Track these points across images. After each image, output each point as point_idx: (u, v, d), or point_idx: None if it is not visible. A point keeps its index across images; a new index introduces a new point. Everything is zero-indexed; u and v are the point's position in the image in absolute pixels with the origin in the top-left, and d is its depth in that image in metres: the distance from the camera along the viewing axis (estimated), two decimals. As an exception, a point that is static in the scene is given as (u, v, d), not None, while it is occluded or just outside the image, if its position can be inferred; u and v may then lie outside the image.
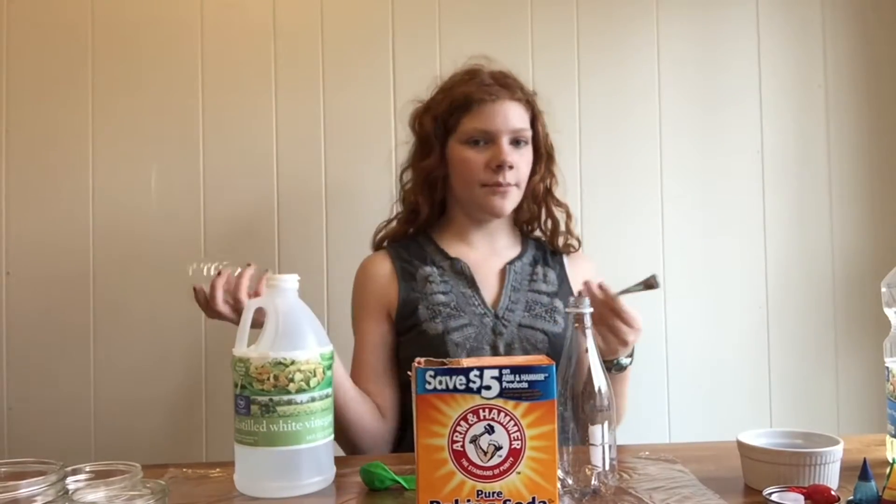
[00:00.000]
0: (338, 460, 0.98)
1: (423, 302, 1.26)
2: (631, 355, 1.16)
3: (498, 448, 0.76)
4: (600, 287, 1.08)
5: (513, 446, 0.76)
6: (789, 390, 1.72)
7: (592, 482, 0.85)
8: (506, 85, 1.28)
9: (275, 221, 1.62)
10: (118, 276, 1.59)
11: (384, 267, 1.32)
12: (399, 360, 1.29)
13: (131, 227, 1.60)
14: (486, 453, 0.76)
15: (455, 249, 1.33)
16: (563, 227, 1.38)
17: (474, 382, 0.76)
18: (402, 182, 1.38)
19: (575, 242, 1.40)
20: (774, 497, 0.77)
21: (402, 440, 1.29)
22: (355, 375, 1.27)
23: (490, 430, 0.76)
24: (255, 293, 1.11)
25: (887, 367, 0.98)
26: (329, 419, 0.95)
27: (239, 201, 1.62)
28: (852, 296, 1.73)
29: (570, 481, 0.86)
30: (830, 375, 1.73)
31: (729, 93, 1.72)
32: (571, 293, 1.31)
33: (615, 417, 0.89)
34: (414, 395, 0.76)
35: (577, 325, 0.89)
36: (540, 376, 0.76)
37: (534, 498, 0.76)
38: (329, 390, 0.94)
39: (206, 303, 1.13)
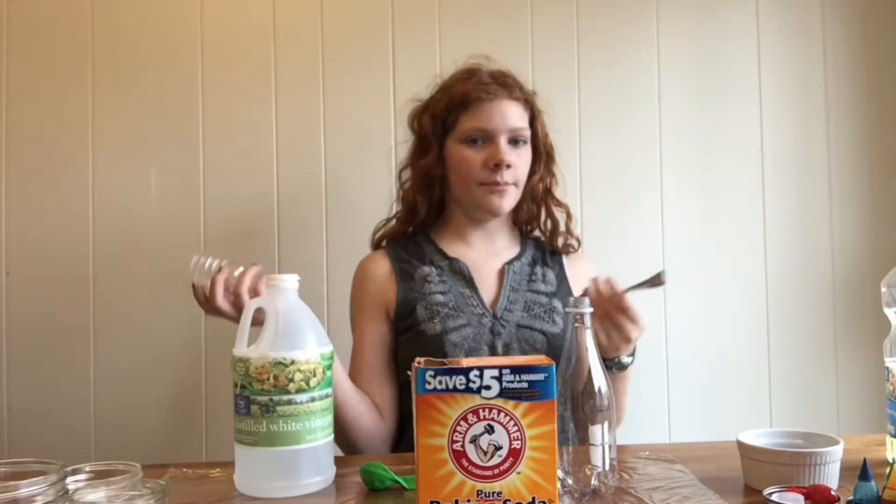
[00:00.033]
0: (338, 460, 0.98)
1: (422, 302, 1.26)
2: (632, 354, 1.16)
3: (498, 448, 0.76)
4: (608, 282, 1.08)
5: (513, 446, 0.76)
6: (789, 390, 1.72)
7: (592, 482, 0.85)
8: (504, 84, 1.28)
9: (275, 221, 1.62)
10: (118, 276, 1.60)
11: (383, 266, 1.32)
12: (397, 361, 1.29)
13: (131, 227, 1.60)
14: (486, 453, 0.76)
15: (454, 249, 1.33)
16: (562, 228, 1.38)
17: (474, 382, 0.76)
18: (401, 181, 1.38)
19: (574, 243, 1.40)
20: (774, 497, 0.77)
21: (401, 440, 1.29)
22: (354, 375, 1.27)
23: (490, 430, 0.76)
24: (254, 291, 1.10)
25: (887, 367, 0.98)
26: (329, 419, 0.95)
27: (239, 201, 1.62)
28: (852, 296, 1.73)
29: (570, 481, 0.86)
30: (830, 375, 1.73)
31: (729, 93, 1.72)
32: (570, 293, 1.31)
33: (615, 417, 0.89)
34: (414, 394, 0.76)
35: (577, 324, 0.89)
36: (540, 376, 0.76)
37: (534, 498, 0.76)
38: (329, 390, 0.94)
39: (205, 300, 1.12)
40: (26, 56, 1.59)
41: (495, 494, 0.76)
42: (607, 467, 0.86)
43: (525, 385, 0.76)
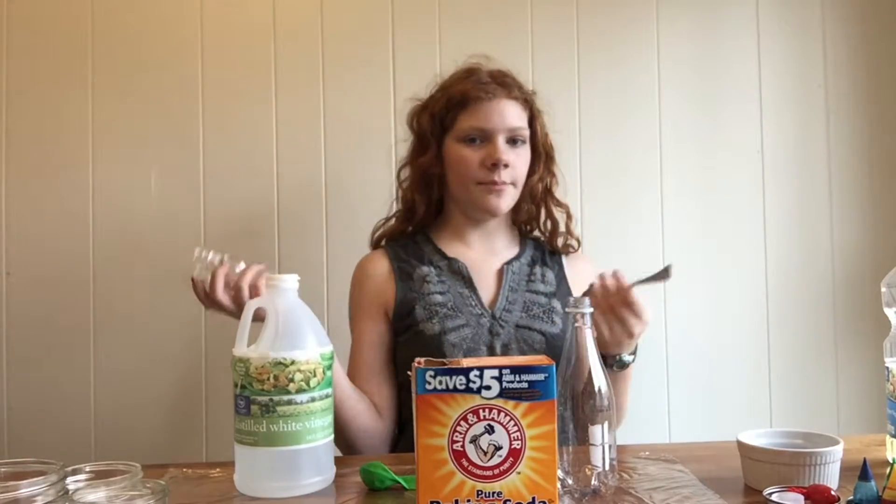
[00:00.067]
0: (338, 460, 0.98)
1: (420, 302, 1.26)
2: (633, 353, 1.16)
3: (498, 448, 0.76)
4: (614, 275, 1.08)
5: (513, 446, 0.76)
6: (789, 390, 1.72)
7: (592, 482, 0.85)
8: (503, 83, 1.28)
9: (275, 221, 1.62)
10: (118, 277, 1.60)
11: (382, 266, 1.32)
12: (396, 361, 1.29)
13: (131, 227, 1.60)
14: (486, 453, 0.76)
15: (453, 249, 1.33)
16: (562, 228, 1.38)
17: (474, 382, 0.76)
18: (400, 180, 1.38)
19: (574, 243, 1.39)
20: (774, 497, 0.77)
21: (400, 440, 1.29)
22: (352, 374, 1.27)
23: (490, 430, 0.76)
24: (255, 288, 1.10)
25: (887, 367, 0.98)
26: (329, 419, 0.95)
27: (239, 201, 1.62)
28: (852, 296, 1.73)
29: (570, 481, 0.86)
30: (830, 375, 1.73)
31: (729, 93, 1.73)
32: (570, 293, 1.30)
33: (615, 417, 0.89)
34: (414, 395, 0.76)
35: (577, 324, 0.89)
36: (540, 376, 0.76)
37: (534, 498, 0.76)
38: (329, 390, 0.94)
39: (205, 294, 1.12)
40: (26, 56, 1.59)
41: (495, 494, 0.76)
42: (607, 467, 0.86)
43: (525, 385, 0.76)
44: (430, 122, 1.30)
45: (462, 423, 0.76)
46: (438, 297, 1.26)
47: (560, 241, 1.38)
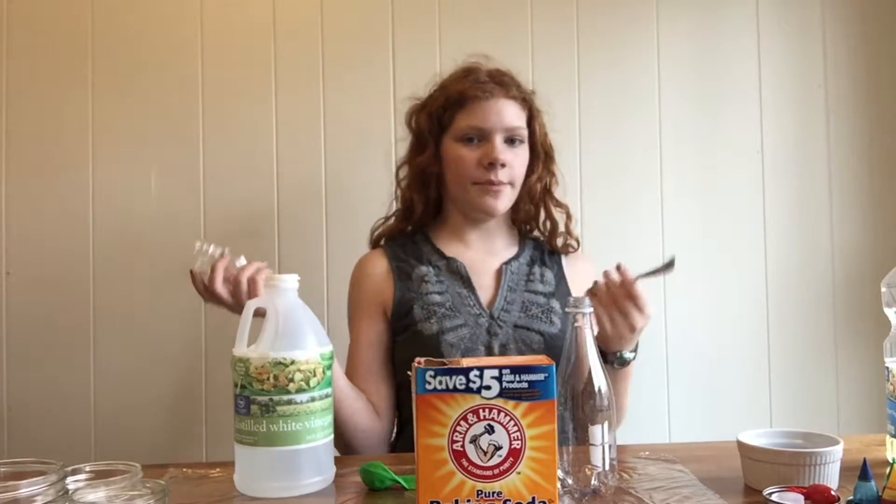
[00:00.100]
0: (338, 460, 0.98)
1: (419, 302, 1.26)
2: (635, 350, 1.16)
3: (498, 448, 0.76)
4: (618, 269, 1.08)
5: (513, 446, 0.76)
6: (789, 390, 1.72)
7: (592, 482, 0.85)
8: (501, 83, 1.27)
9: (275, 221, 1.62)
10: (118, 276, 1.60)
11: (380, 265, 1.32)
12: (395, 361, 1.29)
13: (131, 227, 1.60)
14: (486, 453, 0.76)
15: (452, 249, 1.33)
16: (562, 228, 1.37)
17: (474, 382, 0.76)
18: (398, 179, 1.38)
19: (574, 243, 1.39)
20: (774, 497, 0.77)
21: (400, 440, 1.29)
22: (350, 374, 1.27)
23: (490, 430, 0.76)
24: (253, 282, 1.10)
25: (887, 367, 0.98)
26: (329, 419, 0.95)
27: (239, 201, 1.62)
28: (852, 296, 1.73)
29: (570, 481, 0.86)
30: (830, 375, 1.73)
31: (729, 93, 1.73)
32: (569, 293, 1.30)
33: (615, 417, 0.89)
34: (414, 395, 0.76)
35: (577, 324, 0.89)
36: (540, 376, 0.76)
37: (534, 498, 0.76)
38: (329, 390, 0.94)
39: (203, 287, 1.13)
40: (26, 56, 1.59)
41: (495, 494, 0.76)
42: (607, 467, 0.86)
43: (525, 385, 0.76)
44: (427, 121, 1.30)
45: (462, 423, 0.76)
46: (436, 297, 1.25)
47: (560, 242, 1.38)
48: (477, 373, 0.76)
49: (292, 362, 0.90)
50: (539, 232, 1.39)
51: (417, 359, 0.78)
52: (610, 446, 0.86)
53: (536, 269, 1.32)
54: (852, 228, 1.74)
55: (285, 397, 0.90)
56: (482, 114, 1.25)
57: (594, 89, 1.69)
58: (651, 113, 1.70)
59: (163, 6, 1.62)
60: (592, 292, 1.10)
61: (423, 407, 0.76)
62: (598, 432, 0.85)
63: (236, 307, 1.10)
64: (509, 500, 0.76)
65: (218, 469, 1.00)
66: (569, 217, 1.38)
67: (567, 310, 0.90)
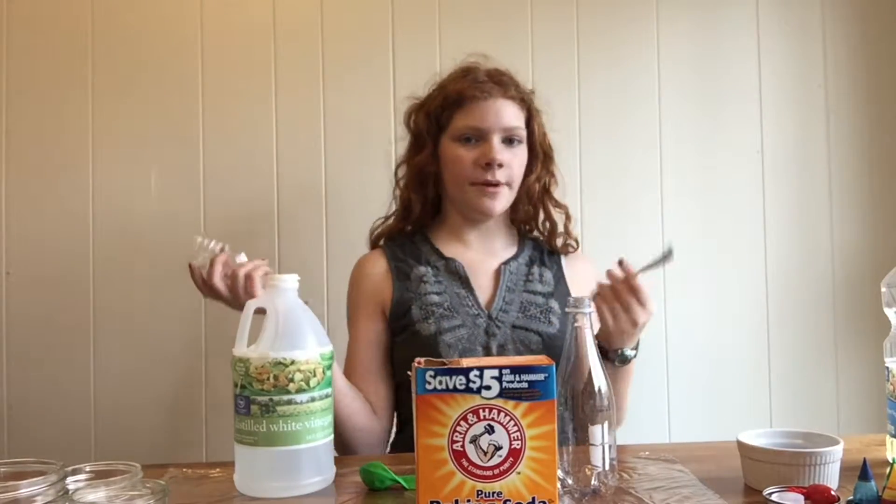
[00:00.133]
0: (338, 460, 0.98)
1: (417, 302, 1.25)
2: (636, 348, 1.16)
3: (498, 448, 0.76)
4: (620, 263, 1.08)
5: (513, 446, 0.76)
6: (789, 390, 1.72)
7: (592, 482, 0.85)
8: (500, 82, 1.27)
9: (275, 221, 1.62)
10: (118, 276, 1.60)
11: (379, 266, 1.32)
12: (394, 361, 1.29)
13: (131, 227, 1.60)
14: (486, 453, 0.76)
15: (450, 249, 1.33)
16: (561, 229, 1.37)
17: (474, 382, 0.76)
18: (397, 178, 1.38)
19: (573, 243, 1.39)
20: (774, 497, 0.77)
21: (400, 440, 1.29)
22: (349, 373, 1.27)
23: (490, 430, 0.76)
24: (250, 278, 1.11)
25: (887, 367, 0.98)
26: (329, 419, 0.95)
27: (239, 201, 1.62)
28: (852, 296, 1.73)
29: (570, 481, 0.86)
30: (830, 375, 1.73)
31: (729, 93, 1.72)
32: (568, 293, 1.30)
33: (615, 417, 0.89)
34: (414, 395, 0.76)
35: (577, 325, 0.89)
36: (540, 376, 0.76)
37: (534, 498, 0.76)
38: (329, 390, 0.95)
39: (202, 281, 1.13)
40: (26, 56, 1.59)
41: (495, 494, 0.76)
42: (607, 467, 0.86)
43: (525, 385, 0.76)
44: (426, 120, 1.30)
45: (462, 423, 0.76)
46: (435, 298, 1.25)
47: (559, 242, 1.37)
48: (477, 373, 0.76)
49: (292, 362, 0.90)
50: (538, 232, 1.39)
51: (417, 359, 0.78)
52: (610, 446, 0.86)
53: (535, 270, 1.32)
54: (852, 228, 1.74)
55: (285, 397, 0.90)
56: (480, 114, 1.25)
57: (594, 89, 1.69)
58: (651, 113, 1.70)
59: (163, 6, 1.62)
60: (597, 289, 1.10)
61: (423, 407, 0.76)
62: (598, 432, 0.86)
63: (234, 302, 1.11)
64: (509, 500, 0.76)
65: (218, 469, 1.00)
66: (568, 217, 1.38)
67: (567, 310, 0.90)
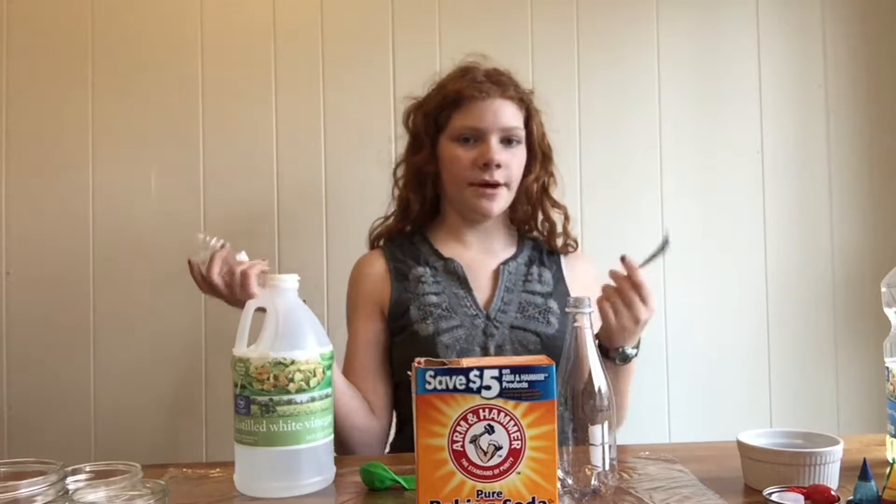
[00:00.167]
0: (338, 460, 0.98)
1: (415, 303, 1.25)
2: (637, 346, 1.16)
3: (498, 448, 0.76)
4: (623, 260, 1.08)
5: (513, 446, 0.76)
6: (789, 390, 1.72)
7: (592, 482, 0.85)
8: (498, 82, 1.27)
9: (275, 221, 1.62)
10: (118, 276, 1.60)
11: (378, 266, 1.32)
12: (393, 361, 1.29)
13: (131, 227, 1.60)
14: (486, 453, 0.76)
15: (449, 249, 1.32)
16: (559, 229, 1.37)
17: (474, 382, 0.76)
18: (396, 178, 1.38)
19: (573, 243, 1.39)
20: (774, 497, 0.77)
21: (399, 440, 1.29)
22: (348, 372, 1.27)
23: (490, 430, 0.76)
24: (246, 275, 1.11)
25: (887, 367, 0.98)
26: (329, 419, 0.95)
27: (239, 201, 1.62)
28: (852, 296, 1.73)
29: (570, 481, 0.86)
30: (830, 375, 1.73)
31: (729, 93, 1.72)
32: (567, 293, 1.30)
33: (615, 418, 0.89)
34: (414, 395, 0.76)
35: (577, 325, 0.89)
36: (540, 376, 0.76)
37: (534, 498, 0.76)
38: (329, 390, 0.95)
39: (201, 276, 1.13)
40: (26, 56, 1.59)
41: (495, 494, 0.76)
42: (607, 467, 0.86)
43: (525, 385, 0.76)
44: (424, 120, 1.30)
45: (462, 423, 0.76)
46: (433, 298, 1.25)
47: (559, 242, 1.37)
48: (477, 373, 0.76)
49: (292, 362, 0.90)
50: (538, 232, 1.39)
51: (417, 359, 0.78)
52: (610, 446, 0.86)
53: (534, 270, 1.32)
54: (852, 228, 1.74)
55: (285, 397, 0.90)
56: (478, 114, 1.24)
57: (594, 89, 1.69)
58: (651, 113, 1.70)
59: (163, 6, 1.62)
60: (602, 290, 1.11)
61: (423, 407, 0.76)
62: (598, 432, 0.86)
63: (231, 298, 1.11)
64: (509, 500, 0.76)
65: (218, 469, 1.00)
66: (566, 218, 1.37)
67: (567, 309, 0.90)
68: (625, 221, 1.69)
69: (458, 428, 0.76)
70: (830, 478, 0.85)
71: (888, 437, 0.98)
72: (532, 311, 1.26)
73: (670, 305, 1.69)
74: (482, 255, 1.33)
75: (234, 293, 1.10)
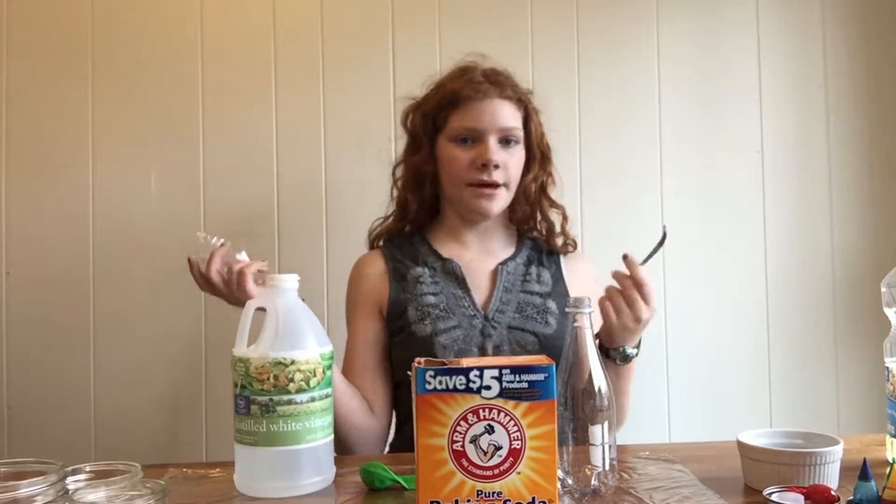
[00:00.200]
0: (338, 460, 0.98)
1: (413, 303, 1.25)
2: (637, 346, 1.16)
3: (498, 448, 0.76)
4: (625, 258, 1.08)
5: (513, 446, 0.76)
6: (789, 390, 1.72)
7: (592, 482, 0.85)
8: (496, 82, 1.27)
9: (275, 221, 1.62)
10: (118, 276, 1.60)
11: (377, 266, 1.32)
12: (392, 361, 1.29)
13: (131, 227, 1.60)
14: (486, 453, 0.76)
15: (448, 250, 1.32)
16: (558, 229, 1.37)
17: (474, 382, 0.76)
18: (395, 178, 1.38)
19: (571, 243, 1.39)
20: (774, 497, 0.77)
21: (398, 439, 1.29)
22: (347, 372, 1.27)
23: (490, 430, 0.76)
24: (242, 273, 1.11)
25: (887, 367, 0.98)
26: (329, 419, 0.95)
27: (239, 201, 1.62)
28: (852, 296, 1.73)
29: (570, 481, 0.86)
30: (830, 375, 1.73)
31: (729, 93, 1.73)
32: (567, 294, 1.30)
33: (615, 418, 0.89)
34: (414, 395, 0.76)
35: (577, 324, 0.89)
36: (540, 376, 0.76)
37: (534, 498, 0.76)
38: (329, 390, 0.94)
39: (199, 273, 1.14)
40: (26, 56, 1.59)
41: (495, 494, 0.76)
42: (607, 467, 0.86)
43: (525, 385, 0.76)
44: (422, 121, 1.30)
45: (462, 423, 0.76)
46: (431, 299, 1.25)
47: (559, 242, 1.37)
48: (477, 373, 0.76)
49: (292, 362, 0.90)
50: (537, 232, 1.39)
51: (417, 359, 0.78)
52: (610, 446, 0.86)
53: (533, 270, 1.32)
54: (852, 228, 1.74)
55: (285, 397, 0.90)
56: (476, 114, 1.24)
57: (594, 89, 1.69)
58: (651, 113, 1.70)
59: (163, 6, 1.62)
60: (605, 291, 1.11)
61: (423, 407, 0.76)
62: (598, 432, 0.85)
63: (230, 297, 1.13)
64: (509, 500, 0.76)
65: (218, 469, 1.00)
66: (565, 218, 1.37)
67: (567, 309, 0.90)
68: (625, 221, 1.69)
69: (458, 428, 0.76)
70: (830, 478, 0.85)
71: (888, 437, 0.98)
72: (530, 312, 1.26)
73: (670, 305, 1.69)
74: (481, 255, 1.33)
75: (233, 291, 1.10)
